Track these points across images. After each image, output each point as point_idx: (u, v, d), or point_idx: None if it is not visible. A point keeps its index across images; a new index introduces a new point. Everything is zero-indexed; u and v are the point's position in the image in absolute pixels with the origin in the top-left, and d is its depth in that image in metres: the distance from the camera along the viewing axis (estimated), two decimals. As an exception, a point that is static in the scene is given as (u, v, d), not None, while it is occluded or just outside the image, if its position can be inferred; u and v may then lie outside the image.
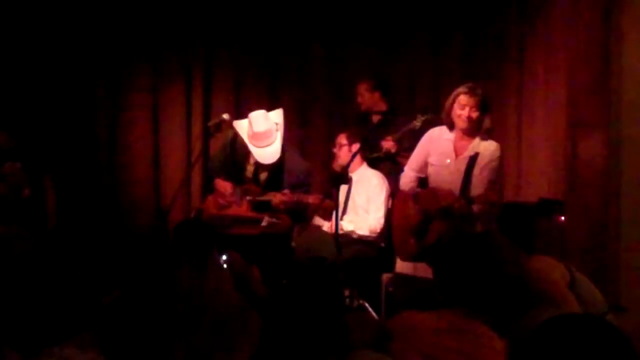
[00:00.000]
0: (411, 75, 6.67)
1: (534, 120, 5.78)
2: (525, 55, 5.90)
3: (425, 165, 4.80)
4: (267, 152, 5.21)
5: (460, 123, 4.58)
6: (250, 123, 5.20)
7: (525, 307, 2.68)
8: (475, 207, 4.45)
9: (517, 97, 5.94)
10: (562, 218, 4.94)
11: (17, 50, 6.34)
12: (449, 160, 4.66)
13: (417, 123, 5.53)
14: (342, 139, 5.78)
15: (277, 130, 5.23)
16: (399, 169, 5.77)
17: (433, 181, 4.74)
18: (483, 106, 4.55)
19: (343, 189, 5.56)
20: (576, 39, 4.90)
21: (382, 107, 6.12)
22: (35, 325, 3.03)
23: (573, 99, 4.94)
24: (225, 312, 2.95)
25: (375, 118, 6.15)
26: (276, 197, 5.13)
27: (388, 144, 5.78)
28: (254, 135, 5.18)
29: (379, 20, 6.64)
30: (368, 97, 6.12)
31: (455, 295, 2.64)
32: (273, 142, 5.22)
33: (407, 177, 4.92)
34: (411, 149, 5.71)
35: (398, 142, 5.73)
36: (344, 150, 5.71)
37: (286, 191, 5.14)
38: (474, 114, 4.53)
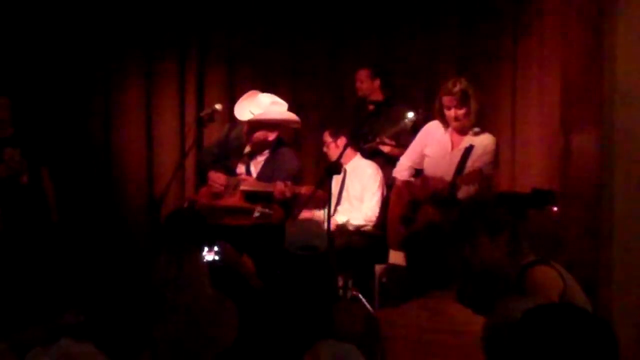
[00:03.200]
0: (407, 67, 6.64)
1: (528, 112, 5.78)
2: (518, 50, 5.90)
3: (421, 156, 4.92)
4: (244, 114, 5.20)
5: (451, 123, 4.73)
6: (257, 94, 5.22)
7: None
8: (461, 193, 4.51)
9: (510, 89, 5.94)
10: (555, 209, 4.95)
11: (12, 35, 6.32)
12: (444, 153, 4.72)
13: (408, 123, 5.54)
14: (327, 137, 5.84)
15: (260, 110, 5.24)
16: (395, 161, 5.79)
17: (428, 172, 4.83)
18: (465, 100, 4.64)
19: (337, 179, 5.57)
20: (569, 32, 4.89)
21: (379, 96, 6.09)
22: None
23: (566, 91, 4.94)
24: (200, 303, 2.95)
25: (371, 107, 6.13)
26: (277, 188, 5.11)
27: (386, 147, 5.78)
28: (255, 101, 5.19)
29: (374, 10, 6.62)
30: (367, 85, 6.05)
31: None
32: (253, 115, 5.23)
33: (402, 166, 5.09)
34: (408, 145, 5.73)
35: (394, 139, 5.72)
36: (332, 147, 5.75)
37: (288, 182, 5.13)
38: (459, 112, 4.65)
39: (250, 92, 5.32)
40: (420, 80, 6.60)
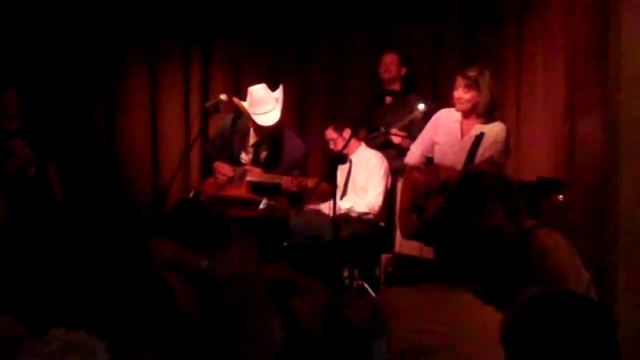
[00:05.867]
0: (410, 59, 6.62)
1: (533, 100, 5.77)
2: (523, 36, 5.88)
3: (431, 144, 4.88)
4: (267, 117, 5.19)
5: (455, 104, 4.69)
6: (250, 93, 5.20)
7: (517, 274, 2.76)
8: None
9: (515, 77, 5.93)
10: (561, 197, 4.94)
11: (20, 30, 6.34)
12: (454, 141, 4.70)
13: (418, 115, 5.53)
14: (331, 134, 5.78)
15: (277, 102, 5.22)
16: (404, 152, 5.80)
17: (439, 160, 4.80)
18: (475, 88, 4.61)
19: (342, 170, 5.57)
20: (574, 18, 4.89)
21: (397, 86, 6.08)
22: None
23: (571, 78, 4.93)
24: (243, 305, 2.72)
25: (389, 99, 6.12)
26: (284, 181, 5.11)
27: (397, 138, 5.80)
28: (253, 102, 5.17)
29: (378, 2, 6.61)
30: (396, 70, 6.02)
31: (453, 267, 2.68)
32: (272, 109, 5.21)
33: (413, 154, 5.01)
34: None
35: (406, 130, 5.71)
36: (339, 141, 5.66)
37: (295, 173, 5.14)
38: (465, 95, 4.62)
39: (248, 100, 5.29)
40: (424, 71, 6.59)
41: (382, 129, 5.75)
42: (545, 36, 5.54)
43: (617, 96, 4.47)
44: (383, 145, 5.87)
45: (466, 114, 4.69)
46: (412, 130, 5.65)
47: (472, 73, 4.61)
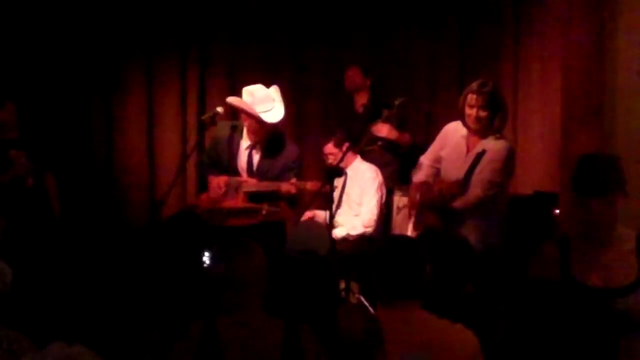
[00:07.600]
0: (406, 67, 6.66)
1: (529, 114, 5.79)
2: (520, 49, 5.90)
3: (439, 157, 4.73)
4: (271, 114, 5.20)
5: (469, 123, 4.47)
6: (250, 93, 5.21)
7: None
8: (457, 202, 4.41)
9: (512, 91, 5.95)
10: (557, 211, 4.93)
11: (17, 42, 6.35)
12: (458, 157, 4.57)
13: (387, 113, 5.54)
14: (331, 149, 5.76)
15: (274, 101, 5.24)
16: (398, 156, 5.82)
17: (443, 175, 4.68)
18: (492, 104, 4.41)
19: (337, 183, 5.57)
20: (571, 34, 4.89)
21: (366, 96, 6.13)
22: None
23: (568, 92, 4.93)
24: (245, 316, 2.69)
25: (360, 109, 6.17)
26: (283, 188, 5.11)
27: (383, 130, 5.85)
28: (255, 101, 5.18)
29: (375, 13, 6.64)
30: (360, 82, 6.17)
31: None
32: (274, 108, 5.22)
33: (420, 166, 4.86)
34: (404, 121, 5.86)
35: (389, 121, 5.76)
36: (339, 155, 5.62)
37: (293, 180, 5.13)
38: (482, 114, 4.41)
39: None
40: (422, 82, 6.61)
41: (380, 137, 5.82)
42: (542, 49, 5.56)
43: (612, 110, 4.48)
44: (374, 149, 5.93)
45: (480, 132, 4.49)
46: (393, 121, 5.80)
47: (486, 89, 4.39)
